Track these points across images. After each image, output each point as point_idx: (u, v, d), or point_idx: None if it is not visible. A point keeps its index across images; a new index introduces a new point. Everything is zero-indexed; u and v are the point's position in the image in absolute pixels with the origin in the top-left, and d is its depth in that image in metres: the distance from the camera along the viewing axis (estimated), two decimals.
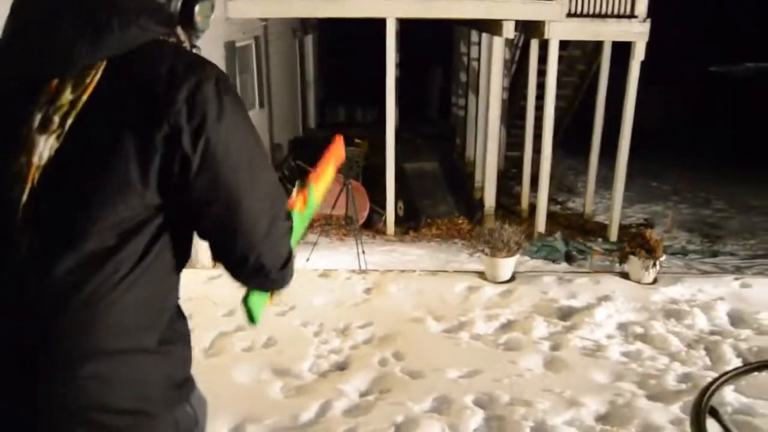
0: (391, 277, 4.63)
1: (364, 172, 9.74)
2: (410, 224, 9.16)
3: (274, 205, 1.20)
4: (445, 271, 5.11)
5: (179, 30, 1.21)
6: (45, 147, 1.08)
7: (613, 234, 9.00)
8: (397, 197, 8.96)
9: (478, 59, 11.00)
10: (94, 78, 1.09)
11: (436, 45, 15.05)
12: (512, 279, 4.65)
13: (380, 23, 8.25)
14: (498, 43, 8.52)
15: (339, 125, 14.28)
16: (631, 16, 8.22)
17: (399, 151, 9.11)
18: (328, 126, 14.30)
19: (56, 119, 1.09)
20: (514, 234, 4.72)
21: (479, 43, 10.97)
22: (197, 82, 1.08)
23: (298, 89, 12.72)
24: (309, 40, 13.54)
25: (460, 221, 9.40)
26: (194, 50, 1.22)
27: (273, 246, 1.21)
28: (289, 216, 1.25)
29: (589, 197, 10.03)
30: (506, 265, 4.61)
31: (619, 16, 8.22)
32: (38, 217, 1.08)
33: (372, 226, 8.91)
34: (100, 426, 1.13)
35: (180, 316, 1.25)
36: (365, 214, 8.84)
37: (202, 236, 1.18)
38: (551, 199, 10.23)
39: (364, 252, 6.45)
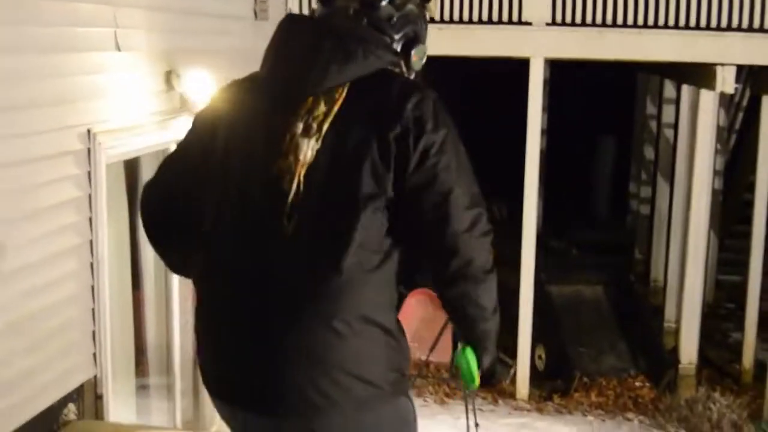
0: None
1: None
2: (556, 384, 9.08)
3: (479, 203, 2.38)
4: None
5: (401, 64, 2.53)
6: (308, 148, 2.30)
7: None
8: (537, 340, 8.89)
9: (675, 126, 10.97)
10: (342, 94, 2.33)
11: (607, 103, 15.18)
12: None
13: (519, 68, 8.42)
14: (708, 100, 8.51)
15: None
16: None
17: (542, 268, 9.03)
18: None
19: (314, 126, 2.31)
20: (731, 410, 4.52)
21: (677, 101, 10.97)
22: (420, 99, 2.32)
23: None
24: None
25: (637, 384, 9.18)
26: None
27: (478, 240, 2.34)
28: (488, 221, 2.39)
29: None
30: None
31: None
32: (304, 204, 2.29)
33: (493, 382, 8.81)
34: (340, 385, 2.29)
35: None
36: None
37: (418, 227, 2.33)
38: None
39: (477, 425, 6.31)
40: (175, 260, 2.78)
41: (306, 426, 2.37)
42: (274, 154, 2.34)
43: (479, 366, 2.55)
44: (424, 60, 2.60)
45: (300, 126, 2.33)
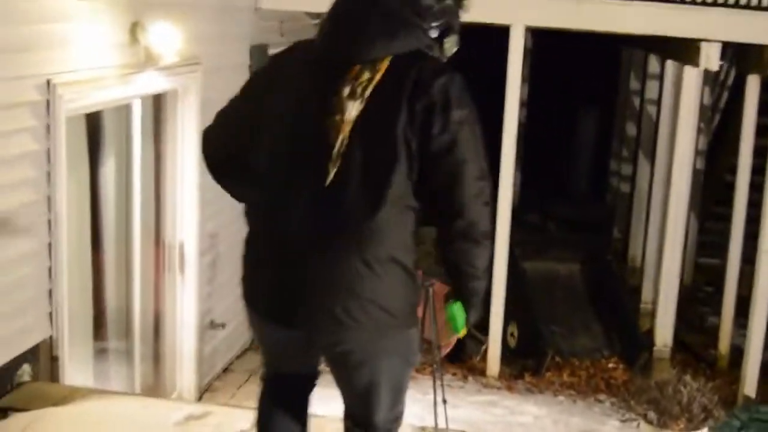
0: None
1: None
2: (528, 363, 9.12)
3: (486, 177, 2.88)
4: None
5: (435, 48, 3.02)
6: (353, 109, 2.80)
7: None
8: (509, 317, 8.92)
9: (658, 102, 11.03)
10: (383, 66, 2.84)
11: (590, 77, 15.19)
12: None
13: (499, 36, 8.40)
14: (691, 77, 8.55)
15: None
16: None
17: (517, 243, 9.06)
18: None
19: (359, 90, 2.81)
20: (702, 393, 4.58)
21: (661, 77, 11.01)
22: (448, 78, 2.84)
23: None
24: None
25: (611, 365, 9.30)
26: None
27: (481, 207, 2.86)
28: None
29: None
30: None
31: None
32: (347, 156, 2.79)
33: (464, 358, 8.91)
34: (366, 311, 2.84)
35: None
36: (453, 341, 8.76)
37: (432, 186, 2.83)
38: None
39: (445, 402, 6.40)
40: (236, 195, 3.28)
41: (333, 338, 2.94)
42: (324, 112, 2.84)
43: (467, 319, 3.02)
44: (455, 49, 3.12)
45: (347, 89, 2.84)
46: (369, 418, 3.12)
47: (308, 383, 3.32)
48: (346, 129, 2.81)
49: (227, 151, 3.15)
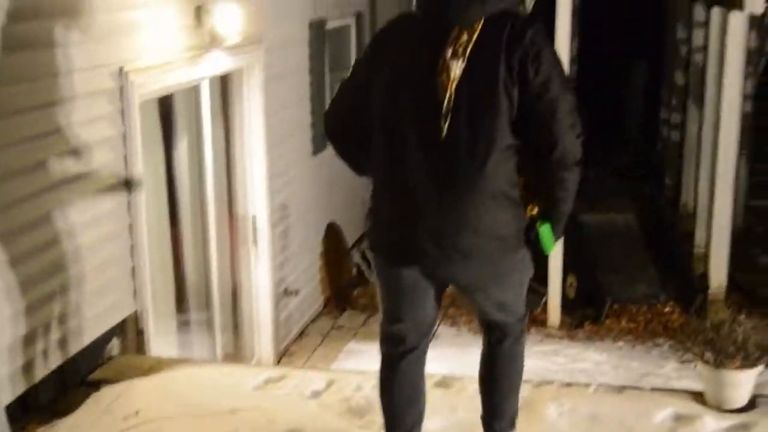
0: (551, 394, 4.57)
1: None
2: (587, 312, 9.09)
3: (575, 109, 3.16)
4: (639, 389, 4.98)
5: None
6: (456, 67, 3.08)
7: None
8: (568, 268, 8.90)
9: (705, 50, 10.84)
10: (478, 27, 3.09)
11: (638, 29, 14.96)
12: (751, 406, 4.44)
13: None
14: (737, 22, 8.40)
15: None
16: None
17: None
18: None
19: (460, 51, 3.08)
20: (755, 331, 4.53)
21: (706, 24, 10.80)
22: (536, 30, 3.10)
23: None
24: None
25: (667, 309, 9.25)
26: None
27: (575, 137, 3.15)
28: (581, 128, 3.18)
29: None
30: (740, 383, 4.42)
31: None
32: (456, 111, 3.06)
33: (526, 311, 8.84)
34: (486, 242, 3.19)
35: None
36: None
37: (532, 124, 3.09)
38: None
39: None
40: (355, 165, 3.58)
41: (461, 270, 3.28)
42: (432, 73, 3.11)
43: (554, 237, 3.33)
44: (534, 4, 3.51)
45: (450, 51, 3.10)
46: (504, 321, 3.51)
47: (425, 336, 3.53)
48: (452, 87, 3.09)
49: (343, 121, 3.46)
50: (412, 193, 3.20)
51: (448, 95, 3.09)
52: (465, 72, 3.08)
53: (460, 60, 3.09)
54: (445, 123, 3.09)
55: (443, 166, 3.14)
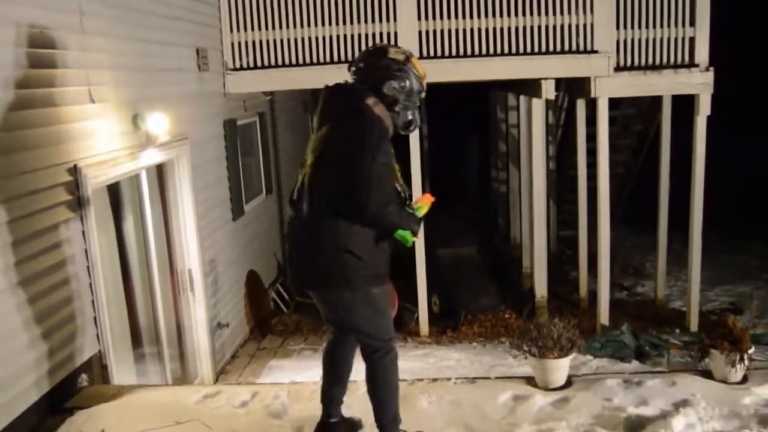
0: (421, 388, 4.53)
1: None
2: (448, 322, 9.09)
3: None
4: (487, 378, 4.99)
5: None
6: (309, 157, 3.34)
7: (693, 323, 8.75)
8: (431, 290, 8.92)
9: (518, 126, 11.15)
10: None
11: (470, 112, 15.31)
12: (568, 384, 4.50)
13: None
14: (537, 106, 8.64)
15: None
16: (691, 65, 8.29)
17: (430, 236, 9.11)
18: None
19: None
20: (566, 329, 4.61)
21: (518, 107, 11.14)
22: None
23: None
24: None
25: (507, 316, 9.31)
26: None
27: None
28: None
29: (661, 280, 9.83)
30: (559, 368, 4.47)
31: (676, 66, 8.30)
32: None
33: (403, 326, 8.85)
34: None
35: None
36: (393, 311, 8.76)
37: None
38: (616, 285, 10.04)
39: None
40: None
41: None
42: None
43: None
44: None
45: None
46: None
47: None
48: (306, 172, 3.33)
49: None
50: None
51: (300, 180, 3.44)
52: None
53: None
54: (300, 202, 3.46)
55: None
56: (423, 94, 3.48)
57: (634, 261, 11.65)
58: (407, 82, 3.36)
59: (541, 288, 8.98)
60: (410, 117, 3.44)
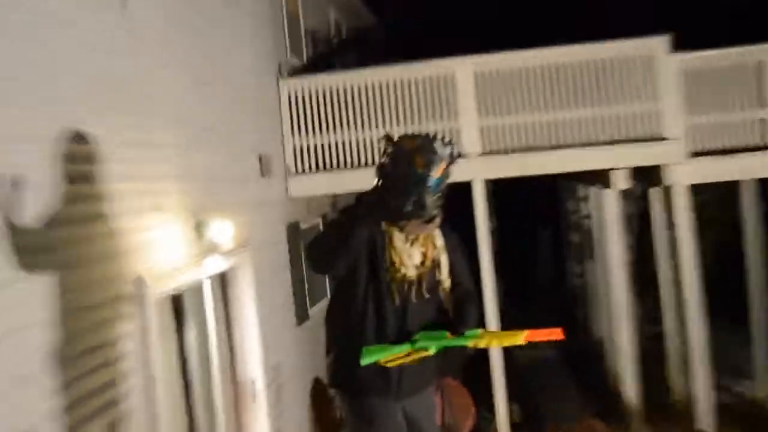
0: None
1: (464, 365, 9.48)
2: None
3: None
4: None
5: None
6: None
7: None
8: (509, 397, 8.61)
9: (590, 216, 10.99)
10: None
11: (540, 204, 15.22)
12: None
13: (467, 186, 8.46)
14: (609, 196, 8.50)
15: None
16: (765, 147, 8.09)
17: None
18: None
19: None
20: None
21: (588, 198, 11.01)
22: None
23: None
24: None
25: (596, 425, 8.92)
26: None
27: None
28: None
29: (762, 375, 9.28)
30: None
31: (754, 149, 8.10)
32: None
33: None
34: None
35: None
36: (470, 423, 8.42)
37: None
38: (716, 386, 9.50)
39: None
40: None
41: None
42: None
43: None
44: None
45: None
46: None
47: None
48: None
49: None
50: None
51: None
52: None
53: None
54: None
55: None
56: (427, 185, 2.99)
57: (729, 356, 11.03)
58: (388, 163, 2.99)
59: (629, 389, 8.58)
60: (394, 204, 2.99)
